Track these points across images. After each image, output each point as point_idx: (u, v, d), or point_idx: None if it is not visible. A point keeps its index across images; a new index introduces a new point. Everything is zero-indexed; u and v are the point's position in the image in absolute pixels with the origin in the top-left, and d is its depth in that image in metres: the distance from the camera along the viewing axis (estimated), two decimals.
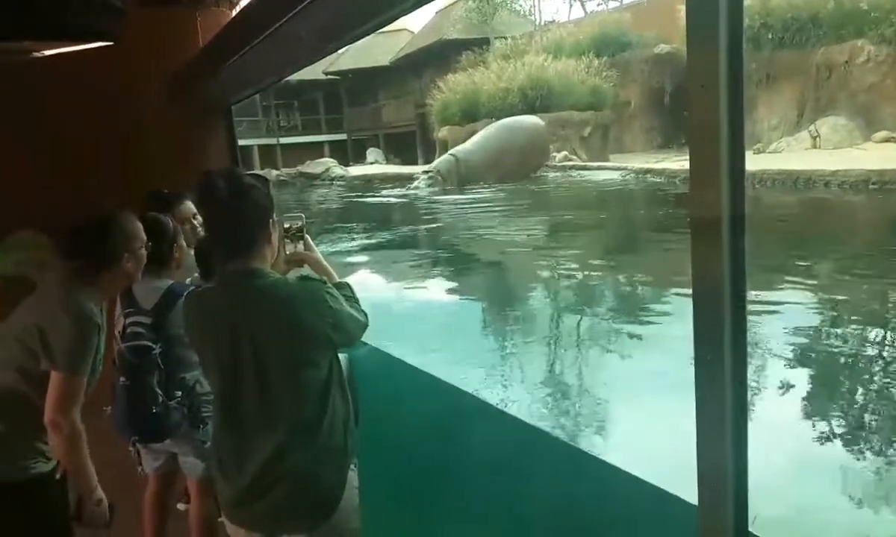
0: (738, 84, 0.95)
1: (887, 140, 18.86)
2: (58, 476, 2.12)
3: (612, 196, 18.85)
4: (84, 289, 2.07)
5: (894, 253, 10.58)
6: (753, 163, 16.54)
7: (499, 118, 24.57)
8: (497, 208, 17.71)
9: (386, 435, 2.42)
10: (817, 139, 20.08)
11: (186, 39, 3.41)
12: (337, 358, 1.75)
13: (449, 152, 21.98)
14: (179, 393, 2.50)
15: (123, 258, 2.13)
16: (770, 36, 21.14)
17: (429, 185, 20.87)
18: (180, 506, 3.07)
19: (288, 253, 1.89)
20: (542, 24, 33.96)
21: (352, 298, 1.79)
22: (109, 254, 2.12)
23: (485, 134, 21.50)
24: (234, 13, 3.62)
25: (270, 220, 1.73)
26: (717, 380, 0.95)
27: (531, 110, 24.68)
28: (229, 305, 1.70)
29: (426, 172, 21.43)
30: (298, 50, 2.55)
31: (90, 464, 2.06)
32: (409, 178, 23.45)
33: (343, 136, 38.65)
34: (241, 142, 3.84)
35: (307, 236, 1.94)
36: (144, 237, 2.23)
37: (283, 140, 37.31)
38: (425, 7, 2.08)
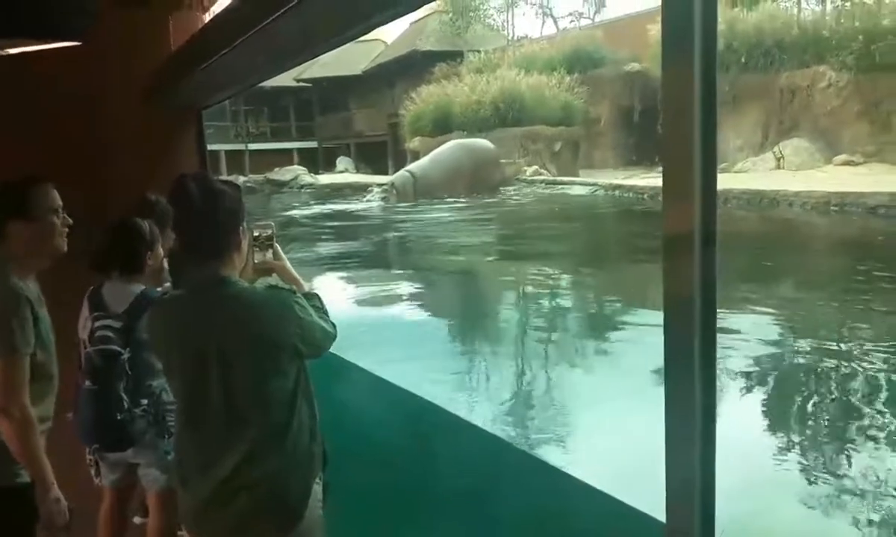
0: (712, 104, 0.96)
1: (847, 163, 19.52)
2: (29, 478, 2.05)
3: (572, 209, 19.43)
4: (3, 264, 1.97)
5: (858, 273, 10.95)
6: (720, 181, 16.90)
7: (471, 130, 24.87)
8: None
9: (348, 444, 2.39)
10: (781, 160, 20.68)
11: (158, 42, 3.36)
12: (304, 368, 1.73)
13: (405, 168, 22.70)
14: (146, 401, 2.44)
15: (19, 223, 2.01)
16: (737, 59, 21.71)
17: (383, 198, 21.47)
18: (137, 520, 2.99)
19: (257, 261, 1.86)
20: (515, 39, 34.35)
21: (320, 309, 1.78)
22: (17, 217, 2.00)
23: (440, 153, 22.27)
24: (207, 18, 3.58)
25: (241, 227, 1.71)
26: (685, 394, 0.96)
27: (503, 124, 24.97)
28: (197, 312, 1.67)
29: (381, 186, 22.08)
30: (272, 57, 2.53)
31: (44, 458, 1.98)
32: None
33: (313, 144, 38.45)
34: (209, 148, 3.79)
35: (276, 245, 1.92)
36: (57, 204, 2.10)
37: (252, 146, 36.98)
38: (400, 18, 2.09)
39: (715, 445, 0.98)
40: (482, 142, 22.41)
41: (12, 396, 1.89)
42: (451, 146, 22.35)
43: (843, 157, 19.85)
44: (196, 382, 1.65)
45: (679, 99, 0.97)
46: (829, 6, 26.10)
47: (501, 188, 22.61)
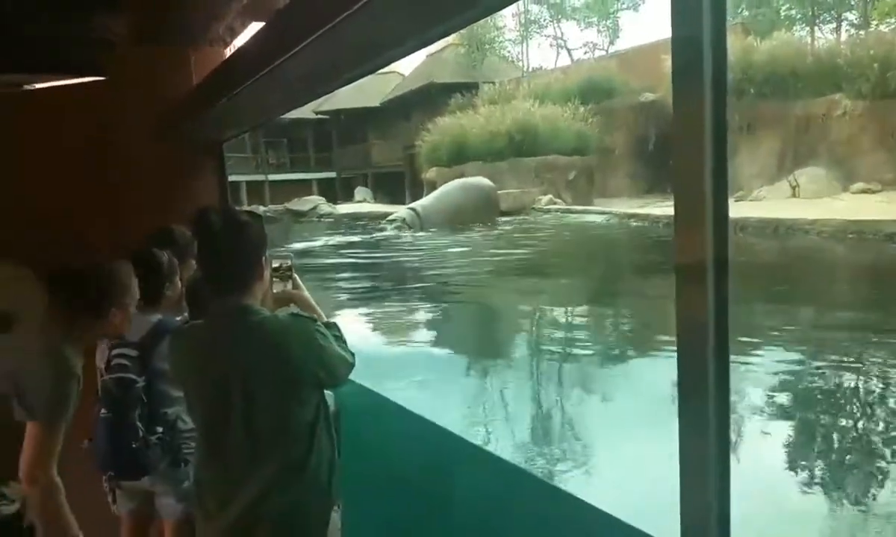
0: (722, 134, 0.97)
1: (864, 191, 19.35)
2: (25, 524, 2.04)
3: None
4: (67, 338, 2.01)
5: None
6: (736, 210, 16.96)
7: (486, 161, 25.24)
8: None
9: (371, 475, 2.39)
10: (797, 188, 20.54)
11: (179, 77, 3.44)
12: (324, 398, 1.75)
13: (409, 206, 24.73)
14: (161, 429, 2.46)
15: (111, 313, 2.08)
16: (752, 88, 21.72)
17: (396, 230, 23.37)
18: None
19: (276, 291, 1.89)
20: (530, 70, 34.70)
21: (340, 338, 1.80)
22: (98, 306, 2.06)
23: (443, 190, 24.25)
24: (228, 53, 3.67)
25: (263, 258, 1.75)
26: (700, 423, 0.96)
27: (518, 154, 25.21)
28: (219, 341, 1.69)
29: (391, 222, 23.81)
30: (292, 91, 2.58)
31: (69, 515, 1.98)
32: None
33: (332, 174, 38.90)
34: (229, 179, 3.86)
35: (295, 275, 1.96)
36: (137, 293, 2.19)
37: (272, 177, 37.47)
38: (417, 51, 2.14)
39: (730, 473, 0.98)
40: (482, 181, 24.12)
41: (41, 465, 1.91)
42: (453, 185, 24.14)
43: (859, 186, 19.69)
44: (218, 411, 1.67)
45: (690, 128, 0.99)
46: (843, 34, 26.27)
47: (514, 216, 23.28)
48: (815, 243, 15.42)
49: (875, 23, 24.50)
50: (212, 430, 1.71)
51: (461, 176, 24.92)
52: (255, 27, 3.37)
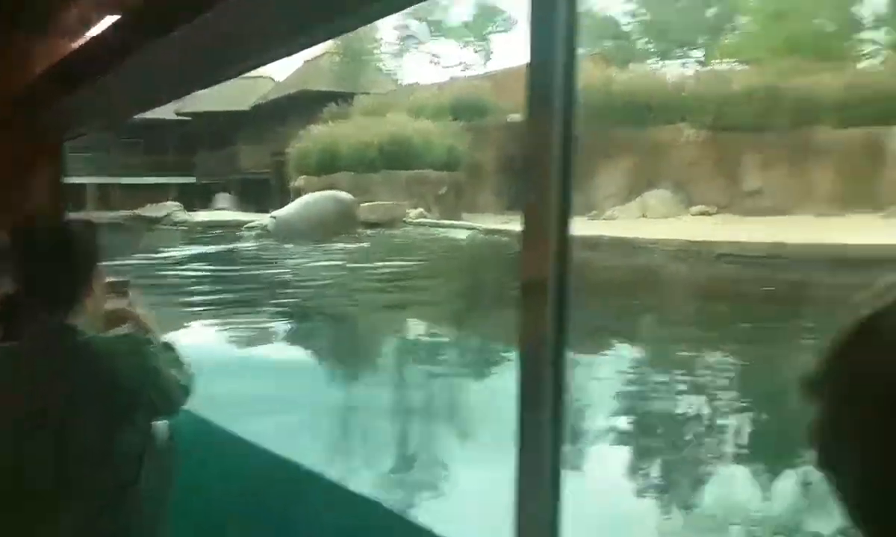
0: (569, 157, 1.03)
1: (702, 213, 21.58)
2: None
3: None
4: None
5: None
6: (590, 228, 18.12)
7: (357, 171, 25.17)
8: None
9: (204, 512, 2.23)
10: (645, 209, 22.40)
11: (17, 68, 3.15)
12: (154, 427, 1.60)
13: (270, 214, 24.43)
14: None
15: None
16: (609, 115, 23.37)
17: (256, 238, 23.36)
18: None
19: (110, 308, 1.73)
20: (405, 84, 35.02)
21: (177, 361, 1.66)
22: None
23: (305, 201, 24.20)
24: (76, 45, 3.40)
25: (93, 272, 1.59)
26: (539, 437, 0.99)
27: (390, 166, 25.35)
28: (35, 367, 1.52)
29: (250, 229, 23.62)
30: (145, 89, 2.43)
31: None
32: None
33: (191, 179, 37.03)
34: (74, 180, 3.56)
35: (132, 292, 1.81)
36: None
37: (124, 180, 35.05)
38: (289, 57, 2.10)
39: (561, 483, 1.02)
40: (342, 194, 24.29)
41: None
42: (314, 197, 24.06)
43: (698, 208, 21.90)
44: (25, 443, 1.47)
45: (539, 150, 1.04)
46: (690, 70, 29.24)
47: (384, 229, 23.48)
48: (657, 261, 16.77)
49: (717, 61, 27.33)
50: (14, 472, 1.49)
51: (331, 186, 24.62)
52: (109, 20, 3.16)
